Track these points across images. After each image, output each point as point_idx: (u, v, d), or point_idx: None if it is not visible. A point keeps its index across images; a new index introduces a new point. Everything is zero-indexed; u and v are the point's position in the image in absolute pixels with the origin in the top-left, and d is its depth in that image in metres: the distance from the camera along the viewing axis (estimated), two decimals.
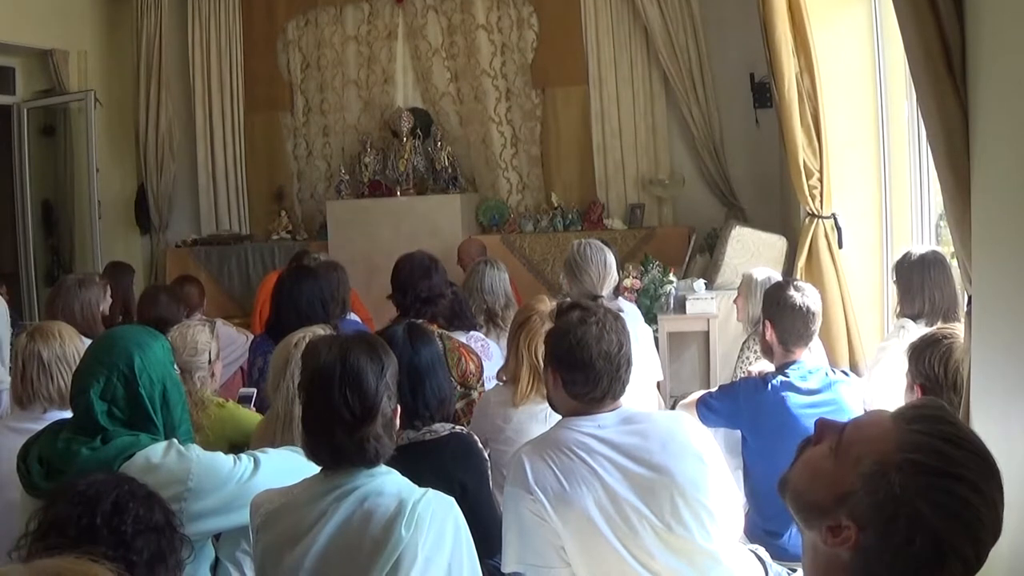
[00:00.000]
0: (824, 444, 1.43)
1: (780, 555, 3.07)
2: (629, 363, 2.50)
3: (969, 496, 1.30)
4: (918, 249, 3.95)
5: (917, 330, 3.57)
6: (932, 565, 1.31)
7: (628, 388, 2.56)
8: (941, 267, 3.80)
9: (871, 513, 1.33)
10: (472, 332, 4.18)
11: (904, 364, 2.81)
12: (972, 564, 1.33)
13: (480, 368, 3.74)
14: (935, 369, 2.55)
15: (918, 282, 3.81)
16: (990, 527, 1.33)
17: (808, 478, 1.42)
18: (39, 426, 2.68)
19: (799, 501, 1.43)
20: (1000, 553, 1.86)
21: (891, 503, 1.31)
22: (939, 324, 3.53)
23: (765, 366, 3.71)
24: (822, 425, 1.45)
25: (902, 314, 3.88)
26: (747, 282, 4.36)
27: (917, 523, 1.30)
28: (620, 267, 5.13)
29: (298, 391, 2.29)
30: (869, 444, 1.36)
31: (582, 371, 2.45)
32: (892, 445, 1.34)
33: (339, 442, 2.12)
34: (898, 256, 4.02)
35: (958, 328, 2.61)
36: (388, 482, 2.16)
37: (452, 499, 2.21)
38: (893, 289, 4.13)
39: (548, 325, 2.85)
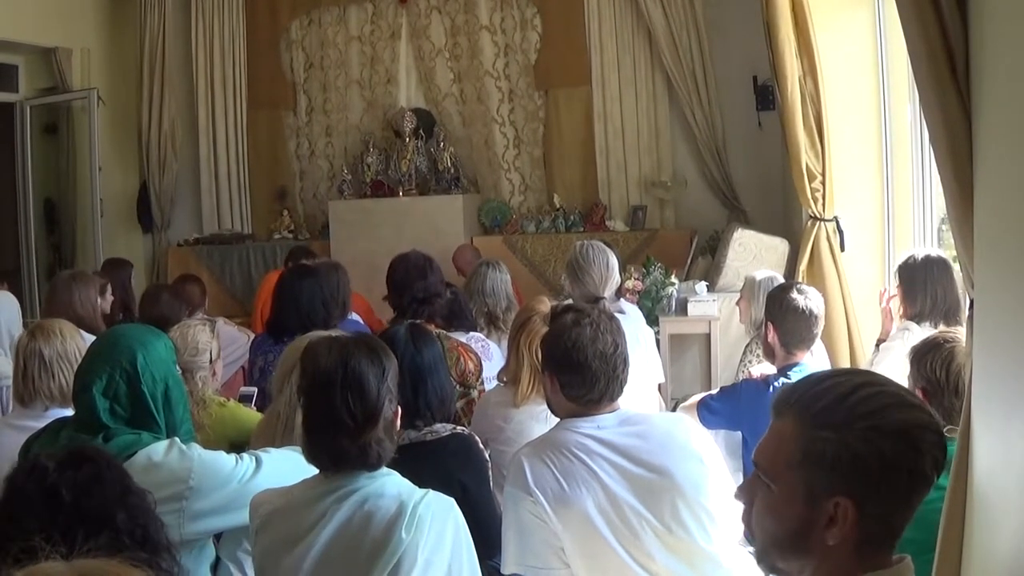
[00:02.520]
0: (756, 495, 1.45)
1: None
2: (626, 363, 2.50)
3: (883, 388, 1.39)
4: (921, 251, 3.95)
5: (921, 332, 3.57)
6: (913, 449, 1.35)
7: (627, 389, 2.56)
8: (944, 267, 3.79)
9: (836, 473, 1.36)
10: (472, 333, 4.18)
11: (906, 367, 2.81)
12: (936, 422, 1.41)
13: (479, 367, 3.74)
14: (936, 373, 2.54)
15: (920, 280, 3.81)
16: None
17: (772, 520, 1.43)
18: (40, 424, 2.68)
19: (780, 544, 1.43)
20: (1000, 553, 1.86)
21: (842, 449, 1.35)
22: (941, 326, 3.53)
23: (767, 368, 3.71)
24: (738, 490, 1.49)
25: (905, 315, 3.88)
26: (750, 285, 4.35)
27: (871, 437, 1.34)
28: (622, 269, 5.12)
29: (297, 394, 2.28)
30: (783, 445, 1.41)
31: (579, 373, 2.45)
32: (797, 426, 1.40)
33: (341, 447, 2.11)
34: (901, 259, 4.02)
35: (960, 332, 2.60)
36: (388, 483, 2.16)
37: (452, 500, 2.21)
38: (894, 293, 4.12)
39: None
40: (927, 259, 3.83)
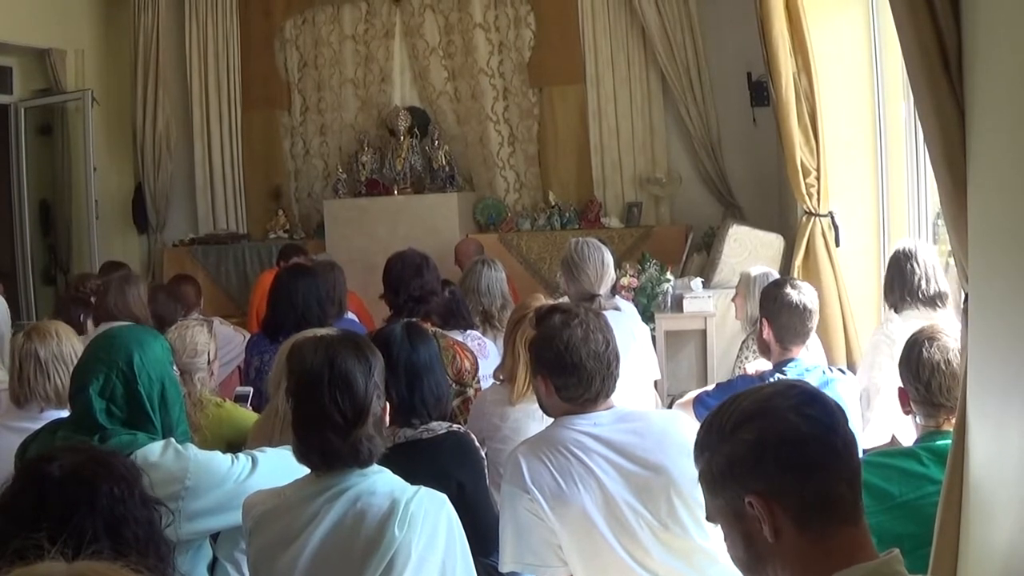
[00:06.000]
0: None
1: None
2: (618, 358, 2.51)
3: (735, 398, 1.57)
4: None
5: (899, 320, 3.74)
6: (769, 418, 1.47)
7: (623, 385, 2.56)
8: (896, 257, 3.94)
9: (729, 480, 1.49)
10: (469, 331, 4.18)
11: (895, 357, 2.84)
12: (782, 384, 1.64)
13: (475, 366, 3.74)
14: (909, 366, 2.58)
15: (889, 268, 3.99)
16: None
17: (732, 550, 1.54)
18: (36, 425, 2.68)
19: (746, 566, 1.53)
20: (997, 546, 1.86)
21: (719, 458, 1.50)
22: (920, 309, 3.70)
23: (762, 364, 3.72)
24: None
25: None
26: (745, 281, 4.35)
27: (734, 436, 1.49)
28: (617, 266, 5.12)
29: (286, 395, 2.28)
30: (703, 489, 1.59)
31: (575, 374, 2.45)
32: (697, 467, 1.58)
33: (332, 445, 2.11)
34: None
35: (935, 316, 2.62)
36: (380, 481, 2.16)
37: (444, 496, 2.21)
38: None
39: None
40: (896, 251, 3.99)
